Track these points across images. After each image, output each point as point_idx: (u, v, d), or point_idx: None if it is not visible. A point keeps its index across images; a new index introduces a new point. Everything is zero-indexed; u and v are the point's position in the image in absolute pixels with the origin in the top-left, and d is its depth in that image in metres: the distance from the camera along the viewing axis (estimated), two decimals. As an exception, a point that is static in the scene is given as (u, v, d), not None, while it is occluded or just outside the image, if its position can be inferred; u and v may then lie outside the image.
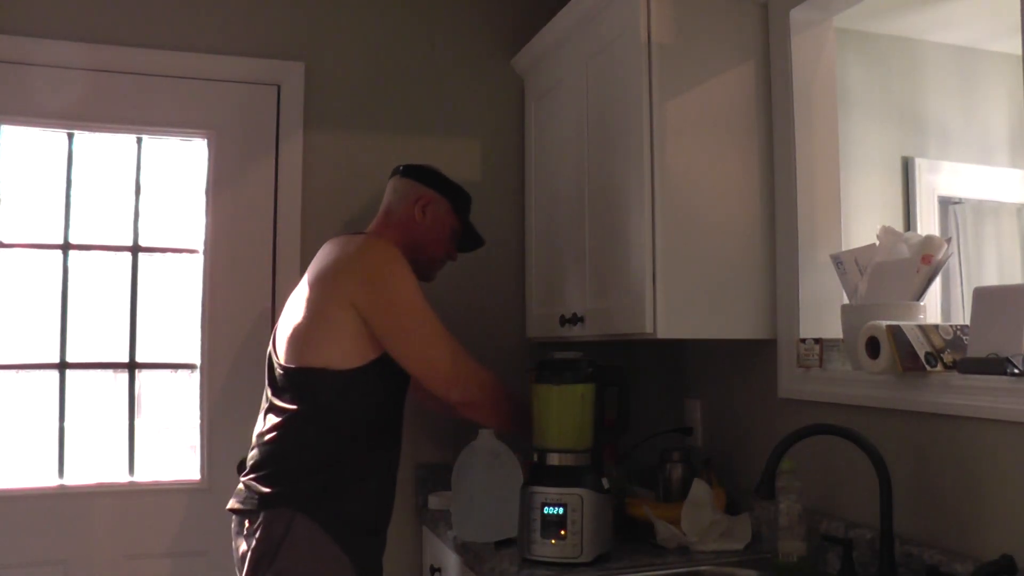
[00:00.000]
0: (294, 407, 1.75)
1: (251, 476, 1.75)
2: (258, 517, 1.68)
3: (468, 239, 2.13)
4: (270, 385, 1.84)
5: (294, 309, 1.83)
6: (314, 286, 1.81)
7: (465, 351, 1.88)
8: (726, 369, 2.21)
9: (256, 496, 1.70)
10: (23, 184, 2.35)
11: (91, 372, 2.38)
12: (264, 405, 1.85)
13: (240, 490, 1.77)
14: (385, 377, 1.81)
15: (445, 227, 2.04)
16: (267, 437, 1.76)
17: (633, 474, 2.31)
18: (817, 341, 1.84)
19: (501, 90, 2.72)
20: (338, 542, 1.69)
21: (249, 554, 1.67)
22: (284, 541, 1.65)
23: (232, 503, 1.77)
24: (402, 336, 1.79)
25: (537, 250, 2.58)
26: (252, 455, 1.80)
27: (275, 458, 1.74)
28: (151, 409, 2.43)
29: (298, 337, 1.77)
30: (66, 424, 2.32)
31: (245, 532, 1.71)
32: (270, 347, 1.88)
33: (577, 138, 2.27)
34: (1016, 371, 1.34)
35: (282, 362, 1.78)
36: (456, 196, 2.06)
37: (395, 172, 2.08)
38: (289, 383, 1.77)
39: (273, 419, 1.77)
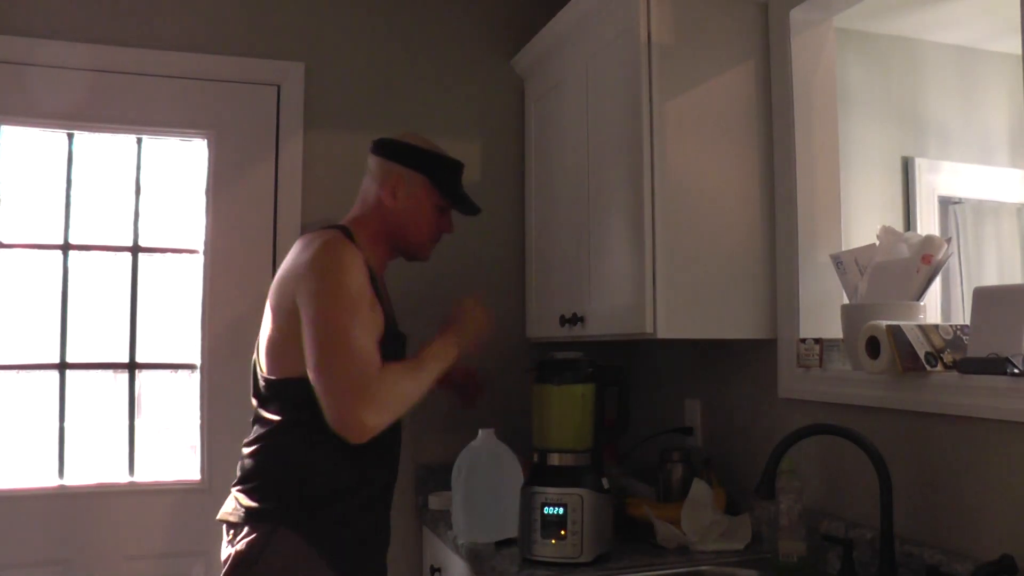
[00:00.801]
0: (278, 418, 1.68)
1: (238, 487, 1.70)
2: (242, 530, 1.64)
3: (460, 209, 1.91)
4: (255, 395, 1.77)
5: (267, 317, 1.75)
6: (276, 293, 1.72)
7: (386, 388, 1.58)
8: (726, 369, 2.21)
9: (242, 508, 1.66)
10: (23, 184, 2.35)
11: (91, 372, 2.39)
12: (252, 415, 1.78)
13: (229, 500, 1.73)
14: None
15: (425, 205, 1.84)
16: (252, 448, 1.71)
17: (633, 474, 2.31)
18: (817, 341, 1.84)
19: (501, 90, 2.72)
20: (322, 553, 1.63)
21: (229, 561, 1.64)
22: (264, 551, 1.60)
23: (221, 513, 1.72)
24: (309, 338, 1.59)
25: (537, 250, 2.58)
26: (239, 465, 1.74)
27: (259, 470, 1.69)
28: (151, 409, 2.43)
29: (273, 347, 1.70)
30: (66, 424, 2.33)
31: (230, 542, 1.68)
32: (255, 355, 1.80)
33: (577, 138, 2.27)
34: (1016, 371, 1.34)
35: (265, 372, 1.72)
36: (434, 168, 1.84)
37: (370, 149, 1.91)
38: (272, 394, 1.70)
39: (258, 430, 1.72)
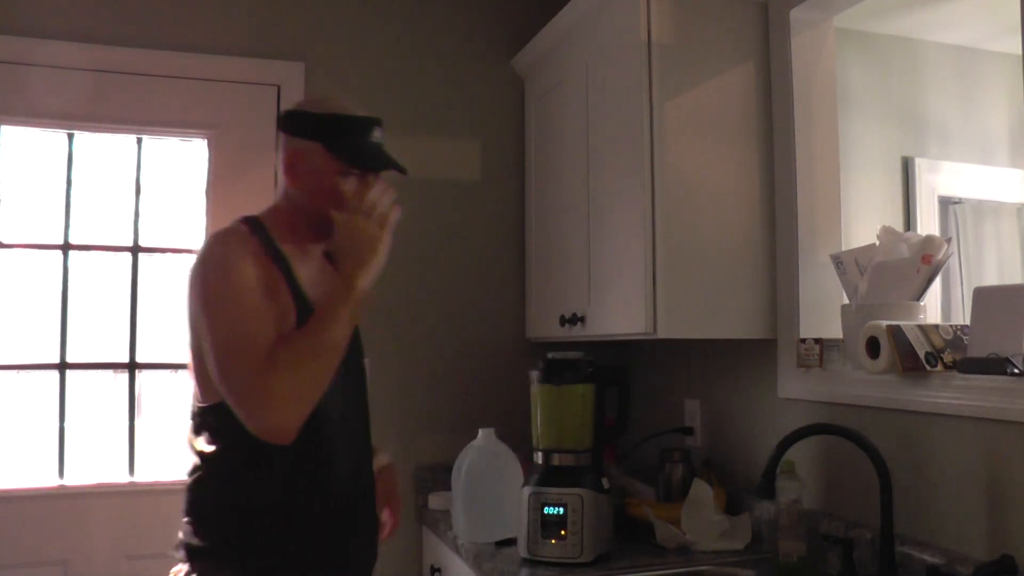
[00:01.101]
0: (211, 448, 1.54)
1: (184, 519, 1.59)
2: (184, 567, 1.55)
3: (370, 168, 1.57)
4: (191, 418, 1.59)
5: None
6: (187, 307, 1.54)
7: (281, 380, 1.38)
8: (726, 369, 2.21)
9: (183, 546, 1.56)
10: (23, 184, 2.35)
11: (91, 372, 2.39)
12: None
13: (180, 532, 1.61)
14: None
15: (326, 178, 1.54)
16: (190, 480, 1.59)
17: (633, 474, 2.31)
18: (817, 341, 1.83)
19: (501, 90, 2.72)
20: None
21: None
22: None
23: (171, 547, 1.60)
24: (207, 347, 1.43)
25: (537, 250, 2.58)
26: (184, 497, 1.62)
27: (197, 503, 1.57)
28: (151, 409, 2.43)
29: (195, 370, 1.52)
30: (66, 424, 2.33)
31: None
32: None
33: (577, 138, 2.27)
34: (1016, 371, 1.34)
35: (199, 400, 1.54)
36: (329, 132, 1.54)
37: None
38: (201, 421, 1.56)
39: (195, 460, 1.58)
